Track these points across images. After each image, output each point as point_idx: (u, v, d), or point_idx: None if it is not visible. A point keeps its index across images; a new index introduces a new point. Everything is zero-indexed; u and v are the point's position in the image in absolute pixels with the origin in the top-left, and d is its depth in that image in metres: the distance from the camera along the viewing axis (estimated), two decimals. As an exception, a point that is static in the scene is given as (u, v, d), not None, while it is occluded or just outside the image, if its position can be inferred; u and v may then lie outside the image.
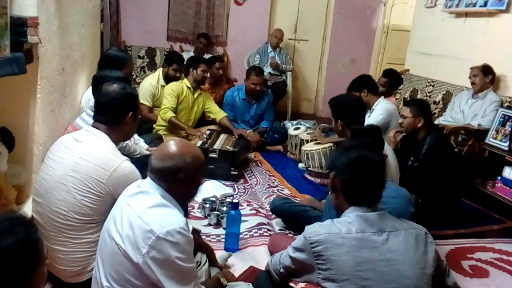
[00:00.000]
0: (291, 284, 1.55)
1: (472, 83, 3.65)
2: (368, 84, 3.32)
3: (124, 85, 1.83)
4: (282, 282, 1.44)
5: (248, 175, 3.49)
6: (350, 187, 1.33)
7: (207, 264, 1.83)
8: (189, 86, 3.72)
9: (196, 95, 3.79)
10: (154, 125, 3.67)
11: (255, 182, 3.37)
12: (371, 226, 1.26)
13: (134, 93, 1.87)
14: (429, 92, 4.40)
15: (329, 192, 2.33)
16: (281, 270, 1.39)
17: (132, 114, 1.80)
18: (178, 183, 1.38)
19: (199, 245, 1.83)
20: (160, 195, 1.37)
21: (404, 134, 2.85)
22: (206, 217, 2.62)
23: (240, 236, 2.36)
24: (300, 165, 3.76)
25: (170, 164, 1.36)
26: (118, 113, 1.78)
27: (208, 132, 3.67)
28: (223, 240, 2.33)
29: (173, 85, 3.69)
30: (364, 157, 1.34)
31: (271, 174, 3.57)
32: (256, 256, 2.25)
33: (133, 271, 1.31)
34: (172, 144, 1.41)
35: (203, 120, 4.08)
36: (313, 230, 1.28)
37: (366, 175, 1.32)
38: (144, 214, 1.32)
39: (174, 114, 3.60)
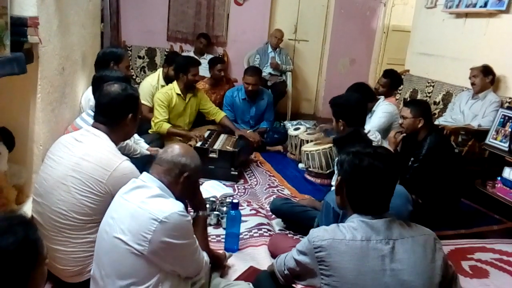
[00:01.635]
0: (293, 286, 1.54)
1: (472, 84, 3.64)
2: (364, 94, 3.25)
3: (125, 86, 1.82)
4: (286, 284, 1.43)
5: (248, 175, 3.49)
6: (356, 196, 1.29)
7: (209, 266, 1.82)
8: (179, 92, 3.59)
9: (187, 99, 3.68)
10: (149, 131, 3.55)
11: (255, 182, 3.37)
12: (377, 234, 1.22)
13: (135, 94, 1.86)
14: (429, 93, 4.40)
15: (327, 194, 2.34)
16: (286, 271, 1.38)
17: (132, 116, 1.80)
18: (182, 180, 1.49)
19: None
20: (158, 187, 1.44)
21: (405, 134, 2.85)
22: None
23: (240, 236, 2.35)
24: (300, 166, 3.76)
25: (182, 160, 1.50)
26: (118, 114, 1.77)
27: (208, 132, 3.66)
28: (223, 240, 2.33)
29: (161, 95, 3.57)
30: (375, 168, 1.26)
31: (271, 174, 3.57)
32: (256, 256, 2.24)
33: (137, 263, 1.35)
34: (184, 146, 1.59)
35: (203, 120, 4.07)
36: (318, 235, 1.25)
37: (375, 187, 1.26)
38: (144, 203, 1.38)
39: (169, 125, 3.52)
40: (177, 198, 1.48)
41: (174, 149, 1.53)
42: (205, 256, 1.58)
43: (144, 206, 1.36)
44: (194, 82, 3.65)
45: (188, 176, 1.50)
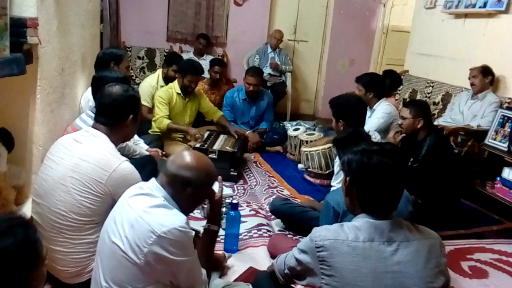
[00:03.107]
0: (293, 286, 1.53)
1: (472, 84, 3.65)
2: (378, 88, 3.31)
3: (126, 87, 1.82)
4: (286, 284, 1.42)
5: (248, 176, 3.50)
6: (367, 196, 1.26)
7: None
8: (179, 92, 3.60)
9: (187, 99, 3.69)
10: (149, 131, 3.54)
11: (255, 183, 3.37)
12: (380, 235, 1.20)
13: (137, 95, 1.86)
14: (428, 93, 4.40)
15: (328, 194, 2.34)
16: (286, 271, 1.37)
17: (133, 117, 1.80)
18: (185, 194, 1.42)
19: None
20: (163, 197, 1.40)
21: (404, 135, 2.85)
22: (205, 218, 2.61)
23: (240, 237, 2.35)
24: (300, 166, 3.76)
25: (185, 174, 1.41)
26: (118, 115, 1.77)
27: (207, 133, 3.67)
28: (223, 241, 2.32)
29: (162, 92, 3.59)
30: (385, 164, 1.23)
31: (271, 175, 3.57)
32: (256, 257, 2.24)
33: (133, 272, 1.33)
34: (194, 157, 1.46)
35: (203, 120, 4.08)
36: (320, 234, 1.23)
37: (386, 185, 1.24)
38: (145, 213, 1.34)
39: (169, 120, 3.52)
40: (183, 209, 1.43)
41: (182, 160, 1.44)
42: (203, 275, 1.51)
43: (145, 217, 1.32)
44: (189, 88, 3.61)
45: (193, 191, 1.42)
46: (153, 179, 1.46)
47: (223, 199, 2.81)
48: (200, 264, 1.49)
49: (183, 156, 1.46)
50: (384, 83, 3.56)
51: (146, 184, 1.46)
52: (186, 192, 1.41)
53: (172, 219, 1.34)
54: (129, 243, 1.32)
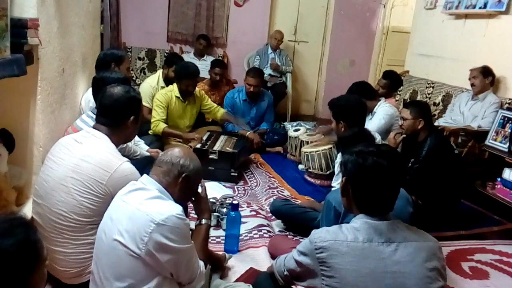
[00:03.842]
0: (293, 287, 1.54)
1: (472, 85, 3.65)
2: (364, 92, 3.28)
3: (128, 88, 1.83)
4: (285, 285, 1.43)
5: (248, 177, 3.50)
6: (363, 196, 1.27)
7: (209, 267, 1.82)
8: (178, 95, 3.58)
9: (186, 102, 3.67)
10: (150, 132, 3.52)
11: (255, 184, 3.37)
12: (379, 236, 1.21)
13: (138, 96, 1.87)
14: (429, 94, 4.40)
15: (329, 193, 2.34)
16: (285, 272, 1.37)
17: (134, 118, 1.80)
18: (180, 181, 1.49)
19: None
20: (157, 189, 1.44)
21: (404, 135, 2.85)
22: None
23: (240, 237, 2.35)
24: (300, 167, 3.76)
25: (180, 161, 1.51)
26: (120, 116, 1.77)
27: (207, 134, 3.66)
28: (223, 241, 2.33)
29: (161, 95, 3.57)
30: (380, 165, 1.24)
31: (271, 176, 3.57)
32: (256, 257, 2.24)
33: (134, 265, 1.35)
34: (185, 149, 1.62)
35: (203, 121, 4.07)
36: (319, 236, 1.24)
37: (381, 186, 1.25)
38: (142, 205, 1.38)
39: (165, 125, 3.50)
40: (176, 201, 1.47)
41: (174, 151, 1.55)
42: (201, 267, 1.54)
43: (142, 208, 1.36)
44: (186, 92, 3.59)
45: (187, 177, 1.50)
46: (145, 175, 1.51)
47: (223, 199, 2.84)
48: (197, 256, 1.52)
49: (173, 149, 1.57)
50: (368, 84, 3.55)
51: (138, 180, 1.50)
52: (181, 178, 1.49)
53: (169, 207, 1.38)
54: (129, 235, 1.34)
